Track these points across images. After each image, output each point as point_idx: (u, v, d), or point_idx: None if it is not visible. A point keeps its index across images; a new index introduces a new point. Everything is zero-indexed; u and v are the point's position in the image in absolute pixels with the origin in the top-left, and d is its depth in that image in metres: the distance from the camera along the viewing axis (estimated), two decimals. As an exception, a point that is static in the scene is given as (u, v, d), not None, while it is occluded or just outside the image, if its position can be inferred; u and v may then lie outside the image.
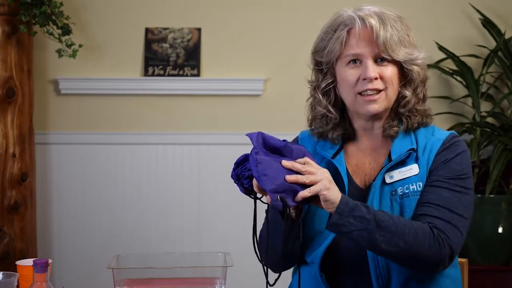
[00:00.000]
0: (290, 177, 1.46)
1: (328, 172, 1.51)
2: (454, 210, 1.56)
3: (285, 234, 1.59)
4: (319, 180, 1.47)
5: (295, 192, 1.47)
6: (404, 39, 1.62)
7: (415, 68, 1.63)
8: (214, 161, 3.41)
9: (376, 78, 1.60)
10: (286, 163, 1.48)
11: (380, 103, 1.62)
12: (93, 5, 3.41)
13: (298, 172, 1.48)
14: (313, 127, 1.76)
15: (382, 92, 1.62)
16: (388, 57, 1.60)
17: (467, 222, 1.58)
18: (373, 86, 1.61)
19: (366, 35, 1.61)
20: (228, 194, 3.39)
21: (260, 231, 1.71)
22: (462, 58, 3.33)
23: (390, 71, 1.62)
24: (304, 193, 1.46)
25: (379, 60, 1.62)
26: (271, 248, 1.63)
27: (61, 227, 3.39)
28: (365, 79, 1.60)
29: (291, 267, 1.74)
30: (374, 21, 1.60)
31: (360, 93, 1.62)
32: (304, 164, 1.49)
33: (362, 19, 1.61)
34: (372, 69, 1.60)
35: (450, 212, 1.55)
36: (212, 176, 3.41)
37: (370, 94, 1.61)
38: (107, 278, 1.76)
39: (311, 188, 1.47)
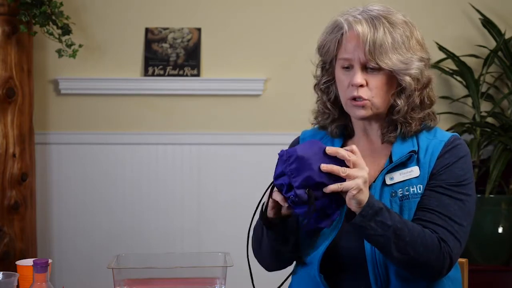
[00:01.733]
0: (326, 166, 1.43)
1: (367, 171, 1.48)
2: (455, 219, 1.56)
3: (274, 236, 1.61)
4: (355, 177, 1.44)
5: (324, 186, 1.43)
6: (400, 45, 1.59)
7: (407, 78, 1.60)
8: (214, 161, 3.41)
9: (361, 85, 1.59)
10: (330, 149, 1.45)
11: (366, 110, 1.62)
12: (93, 5, 3.40)
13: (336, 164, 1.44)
14: (319, 119, 1.76)
15: (367, 101, 1.60)
16: (376, 66, 1.58)
17: (466, 230, 1.58)
18: (358, 94, 1.60)
19: (354, 41, 1.59)
20: (228, 194, 3.39)
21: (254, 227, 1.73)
22: (462, 58, 3.33)
23: (377, 79, 1.60)
24: (333, 187, 1.44)
25: (369, 68, 1.60)
26: (261, 247, 1.66)
27: (61, 227, 3.39)
28: (352, 85, 1.60)
29: (284, 268, 1.75)
30: (361, 28, 1.57)
31: (349, 98, 1.63)
32: (351, 151, 1.47)
33: (350, 25, 1.59)
34: (359, 76, 1.59)
35: (451, 220, 1.56)
36: (212, 176, 3.41)
37: (357, 100, 1.61)
38: (107, 278, 1.76)
39: (343, 184, 1.44)
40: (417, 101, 1.64)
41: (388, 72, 1.60)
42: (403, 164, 1.62)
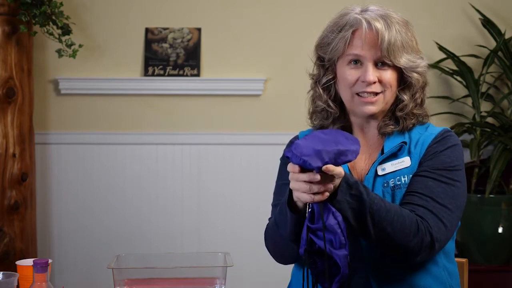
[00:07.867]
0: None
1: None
2: (437, 200, 1.56)
3: (293, 222, 1.51)
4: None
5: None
6: (407, 45, 1.63)
7: (415, 75, 1.66)
8: (214, 161, 3.41)
9: (374, 82, 1.63)
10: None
11: (377, 105, 1.65)
12: (93, 5, 3.41)
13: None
14: (313, 119, 1.77)
15: (380, 95, 1.64)
16: (390, 63, 1.62)
17: (452, 213, 1.57)
18: (371, 90, 1.63)
19: (371, 38, 1.61)
20: (228, 194, 3.39)
21: (267, 225, 1.71)
22: (462, 58, 3.33)
23: (389, 75, 1.64)
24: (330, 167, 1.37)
25: (379, 64, 1.63)
26: (279, 237, 1.59)
27: (61, 227, 3.40)
28: (364, 81, 1.63)
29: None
30: (379, 25, 1.61)
31: (357, 94, 1.65)
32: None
33: (369, 22, 1.61)
34: (372, 73, 1.62)
35: (432, 201, 1.56)
36: (212, 176, 3.41)
37: (368, 96, 1.64)
38: (107, 278, 1.76)
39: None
40: (419, 100, 1.69)
41: (397, 69, 1.64)
42: (394, 155, 1.65)
